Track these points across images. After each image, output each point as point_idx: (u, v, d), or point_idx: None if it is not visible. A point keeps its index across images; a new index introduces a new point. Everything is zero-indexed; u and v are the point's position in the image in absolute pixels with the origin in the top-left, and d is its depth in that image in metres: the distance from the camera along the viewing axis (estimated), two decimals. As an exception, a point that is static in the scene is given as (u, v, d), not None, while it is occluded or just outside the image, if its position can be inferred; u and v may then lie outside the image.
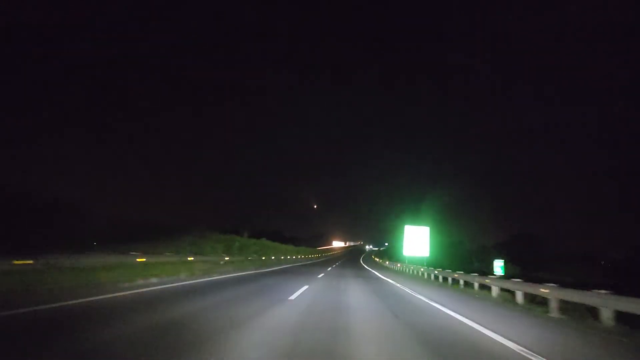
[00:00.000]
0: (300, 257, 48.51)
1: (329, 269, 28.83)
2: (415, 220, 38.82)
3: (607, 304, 7.31)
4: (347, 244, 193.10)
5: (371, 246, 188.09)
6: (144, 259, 14.81)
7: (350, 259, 68.61)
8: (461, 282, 16.61)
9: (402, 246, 37.69)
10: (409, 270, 30.29)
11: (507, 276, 15.33)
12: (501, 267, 12.47)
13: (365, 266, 41.36)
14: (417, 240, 37.07)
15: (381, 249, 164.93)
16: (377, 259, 70.41)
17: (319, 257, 67.60)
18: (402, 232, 39.00)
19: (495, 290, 12.91)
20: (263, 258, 27.96)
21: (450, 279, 18.37)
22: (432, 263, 36.34)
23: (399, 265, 36.46)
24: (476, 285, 14.66)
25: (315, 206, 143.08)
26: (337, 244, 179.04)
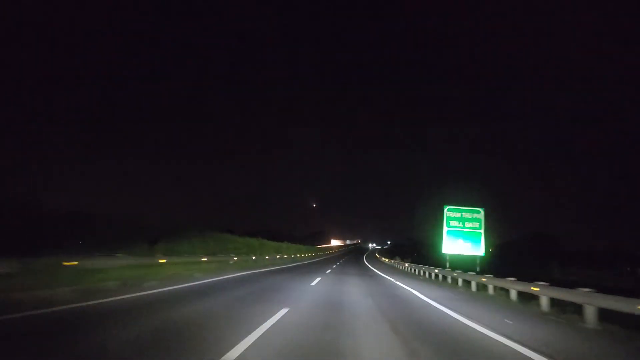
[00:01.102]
0: (284, 256, 34.09)
1: (314, 282, 14.60)
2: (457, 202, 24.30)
3: None
4: (346, 242, 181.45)
5: (374, 244, 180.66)
6: None
7: (352, 260, 54.33)
8: None
9: (440, 241, 23.14)
10: (476, 287, 15.93)
11: None
12: None
13: (381, 273, 26.97)
14: (464, 231, 22.66)
15: (384, 247, 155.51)
16: (386, 259, 55.94)
17: (313, 257, 53.29)
18: (439, 221, 24.62)
19: None
20: (204, 260, 13.60)
21: None
22: (489, 267, 22.15)
23: (436, 270, 22.15)
24: None
25: (314, 205, 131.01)
26: (336, 242, 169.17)
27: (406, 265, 33.02)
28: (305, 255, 49.98)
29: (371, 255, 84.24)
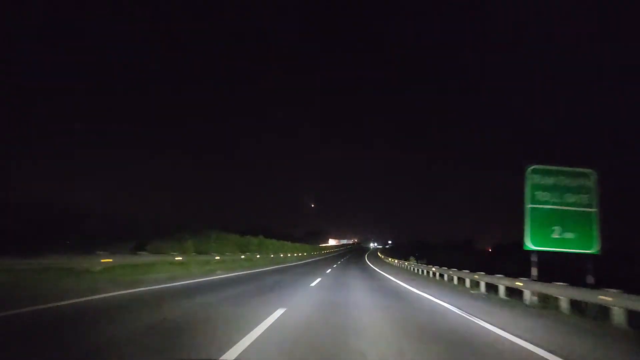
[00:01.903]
0: (255, 257, 23.77)
1: (263, 326, 3.91)
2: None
3: None
4: (341, 242, 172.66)
5: (375, 244, 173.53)
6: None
7: (353, 262, 44.23)
8: None
9: (519, 226, 12.72)
10: None
11: None
12: None
13: (408, 286, 17.03)
14: (564, 209, 12.41)
15: (385, 247, 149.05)
16: (394, 261, 45.60)
17: (304, 257, 42.96)
18: (510, 194, 14.30)
19: None
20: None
21: None
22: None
23: (518, 283, 11.80)
24: None
25: (312, 205, 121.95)
26: (333, 242, 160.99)
27: (433, 269, 22.69)
28: (294, 255, 39.64)
29: (375, 256, 73.72)
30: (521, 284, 11.28)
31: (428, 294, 11.99)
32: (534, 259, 12.39)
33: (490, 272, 14.92)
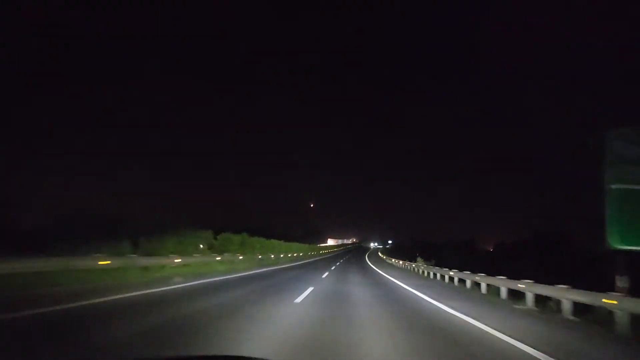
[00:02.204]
0: (239, 260, 19.88)
1: None
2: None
3: None
4: (339, 242, 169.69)
5: (376, 244, 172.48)
6: None
7: (353, 265, 40.48)
8: None
9: (609, 216, 8.85)
10: None
11: None
12: None
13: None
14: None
15: (385, 247, 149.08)
16: (399, 262, 41.83)
17: (295, 259, 39.00)
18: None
19: None
20: None
21: None
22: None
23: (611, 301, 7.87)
24: None
25: (312, 205, 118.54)
26: (332, 242, 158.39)
27: (450, 274, 18.84)
28: (289, 256, 35.77)
29: (376, 257, 69.70)
30: (614, 302, 7.41)
31: (464, 313, 8.16)
32: (621, 263, 8.59)
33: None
